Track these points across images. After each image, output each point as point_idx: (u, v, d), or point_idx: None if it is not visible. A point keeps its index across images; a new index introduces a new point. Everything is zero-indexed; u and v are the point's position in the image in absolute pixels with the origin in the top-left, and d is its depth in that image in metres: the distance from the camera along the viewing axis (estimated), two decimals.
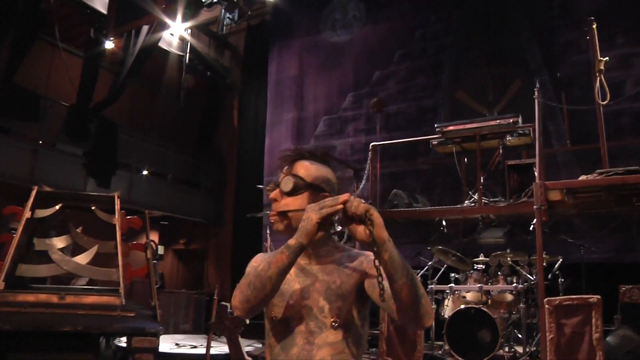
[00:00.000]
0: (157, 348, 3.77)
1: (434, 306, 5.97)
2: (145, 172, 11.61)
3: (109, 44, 10.39)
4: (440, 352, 5.70)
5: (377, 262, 1.30)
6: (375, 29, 10.31)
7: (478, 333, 5.36)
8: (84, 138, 9.40)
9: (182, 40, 11.56)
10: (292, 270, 1.58)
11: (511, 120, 6.26)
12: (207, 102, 13.03)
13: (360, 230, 1.30)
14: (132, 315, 3.91)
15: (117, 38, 10.30)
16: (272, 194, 1.57)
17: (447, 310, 6.01)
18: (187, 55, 11.43)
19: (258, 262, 1.61)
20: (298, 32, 11.38)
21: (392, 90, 9.61)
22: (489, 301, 5.92)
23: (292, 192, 1.52)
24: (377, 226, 1.27)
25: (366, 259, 1.55)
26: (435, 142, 6.93)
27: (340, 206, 1.31)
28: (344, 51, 10.44)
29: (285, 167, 1.61)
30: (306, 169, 1.57)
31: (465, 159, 6.87)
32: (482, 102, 8.16)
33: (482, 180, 6.30)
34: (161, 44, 10.99)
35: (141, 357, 3.68)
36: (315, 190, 1.54)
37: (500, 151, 6.62)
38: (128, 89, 10.76)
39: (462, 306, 5.59)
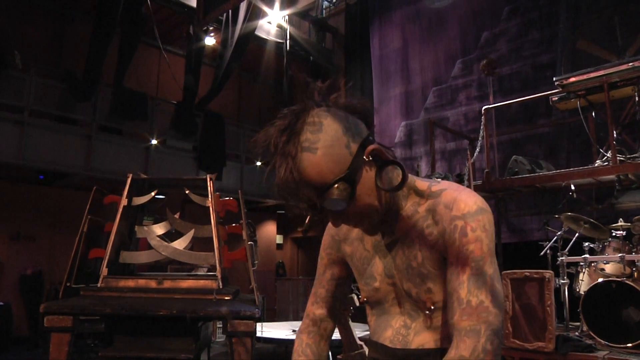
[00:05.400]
0: (255, 332, 3.59)
1: (567, 281, 5.23)
2: (259, 164, 11.79)
3: (209, 40, 10.62)
4: (577, 333, 4.97)
5: None
6: None
7: (623, 311, 4.60)
8: (192, 133, 9.66)
9: (280, 27, 11.54)
10: (370, 243, 1.22)
11: None
12: None
13: None
14: (229, 298, 3.77)
15: (216, 33, 10.49)
16: (332, 224, 1.09)
17: (583, 285, 5.26)
18: (288, 42, 11.38)
19: (325, 247, 1.43)
20: (397, 2, 10.86)
21: (503, 50, 8.78)
22: (635, 273, 5.08)
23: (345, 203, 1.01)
24: None
25: (444, 218, 1.06)
26: (556, 98, 6.18)
27: None
28: (447, 15, 9.76)
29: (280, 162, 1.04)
30: (324, 159, 0.99)
31: (593, 114, 6.03)
32: (610, 48, 7.16)
33: (615, 135, 5.46)
34: (260, 33, 11.03)
35: (238, 341, 3.52)
36: (359, 164, 1.01)
37: (637, 99, 5.69)
38: (232, 81, 10.96)
39: (600, 279, 4.82)
